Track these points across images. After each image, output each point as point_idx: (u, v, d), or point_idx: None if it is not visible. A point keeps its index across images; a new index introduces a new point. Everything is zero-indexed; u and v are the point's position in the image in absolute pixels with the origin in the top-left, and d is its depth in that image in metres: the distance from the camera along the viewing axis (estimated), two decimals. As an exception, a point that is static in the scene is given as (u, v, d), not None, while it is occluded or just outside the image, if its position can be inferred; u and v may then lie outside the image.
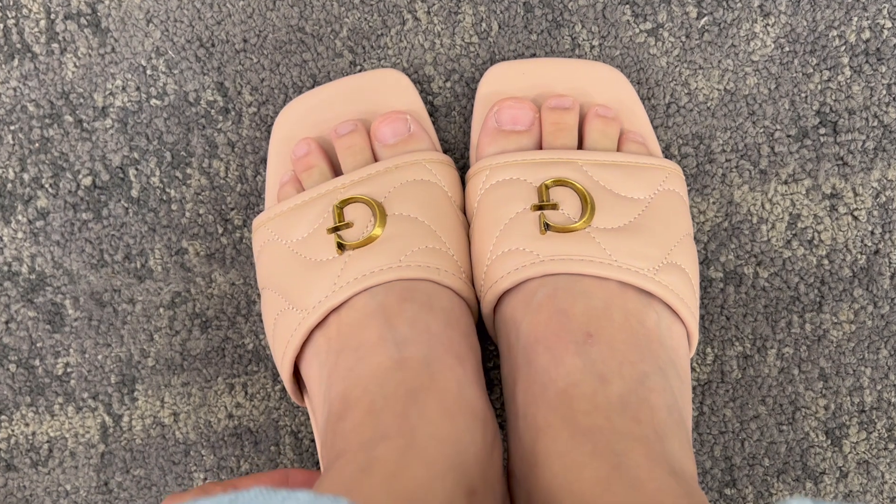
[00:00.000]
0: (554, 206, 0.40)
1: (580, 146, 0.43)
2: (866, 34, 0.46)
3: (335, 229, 0.40)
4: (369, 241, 0.40)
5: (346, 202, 0.41)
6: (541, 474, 0.34)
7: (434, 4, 0.47)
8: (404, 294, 0.39)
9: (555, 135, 0.42)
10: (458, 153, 0.47)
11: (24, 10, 0.48)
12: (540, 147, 0.43)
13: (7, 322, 0.49)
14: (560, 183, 0.40)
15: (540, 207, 0.40)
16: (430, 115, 0.47)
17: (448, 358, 0.37)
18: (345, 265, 0.40)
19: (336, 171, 0.44)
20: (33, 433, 0.49)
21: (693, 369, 0.47)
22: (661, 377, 0.37)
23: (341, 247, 0.40)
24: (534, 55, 0.47)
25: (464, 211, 0.44)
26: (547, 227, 0.39)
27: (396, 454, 0.33)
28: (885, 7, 0.45)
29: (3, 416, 0.49)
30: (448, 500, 0.32)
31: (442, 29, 0.47)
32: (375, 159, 0.43)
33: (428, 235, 0.41)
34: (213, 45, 0.47)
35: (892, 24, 0.45)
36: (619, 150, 0.43)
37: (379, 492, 0.31)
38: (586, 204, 0.40)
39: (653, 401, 0.36)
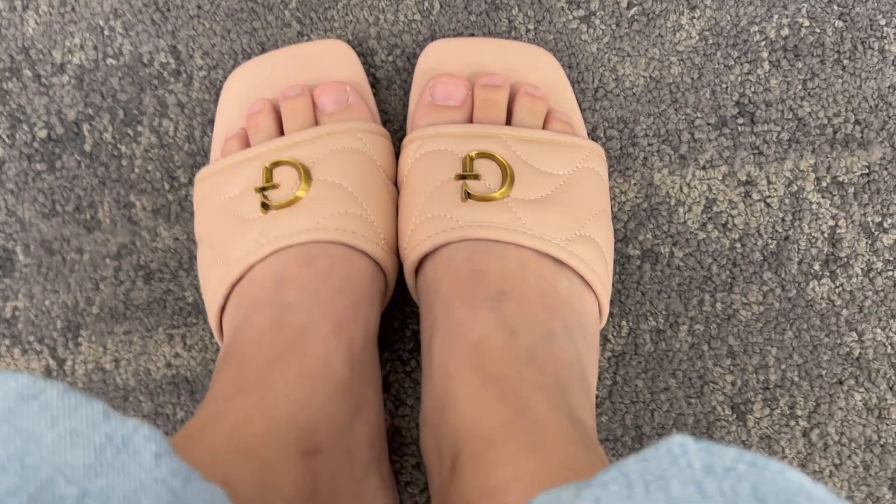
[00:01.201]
0: (476, 177, 0.42)
1: (509, 122, 0.45)
2: (785, 31, 0.48)
3: (262, 189, 0.42)
4: (292, 203, 0.42)
5: (276, 164, 0.43)
6: (450, 417, 0.36)
7: (379, -18, 0.49)
8: (308, 259, 0.41)
9: (484, 111, 0.44)
10: (398, 125, 0.50)
11: (-10, -33, 0.50)
12: (471, 122, 0.45)
13: (-41, 265, 0.51)
14: (484, 155, 0.42)
15: (463, 177, 0.42)
16: (372, 86, 0.50)
17: (325, 326, 0.39)
18: (267, 224, 0.42)
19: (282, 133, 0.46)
20: (-20, 373, 0.51)
21: (608, 340, 0.49)
22: (567, 337, 0.39)
23: (265, 206, 0.42)
24: (472, 35, 0.49)
25: (395, 181, 0.46)
26: (468, 195, 0.42)
27: (247, 408, 0.35)
28: (803, 6, 0.48)
29: (-48, 356, 0.51)
30: (282, 454, 0.33)
31: (386, 5, 0.49)
32: (317, 125, 0.46)
33: (349, 201, 0.42)
34: (168, 10, 0.49)
35: (810, 22, 0.48)
36: (545, 128, 0.45)
37: (221, 439, 0.33)
38: (506, 176, 0.42)
39: (557, 356, 0.38)
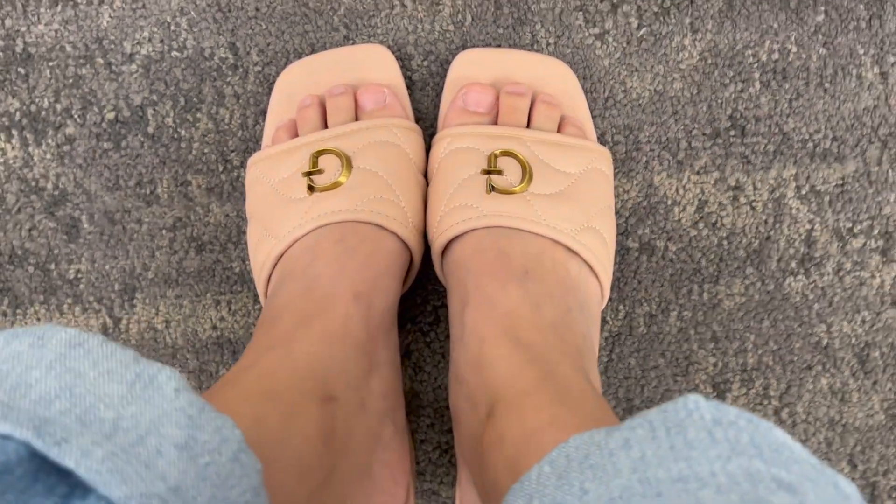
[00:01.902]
0: (499, 172, 0.47)
1: (528, 126, 0.51)
2: (776, 55, 0.54)
3: (308, 174, 0.48)
4: (335, 187, 0.47)
5: (321, 152, 0.48)
6: (486, 373, 0.41)
7: (419, -5, 0.55)
8: (340, 237, 0.46)
9: (509, 115, 0.50)
10: (429, 122, 0.56)
11: (71, -35, 0.56)
12: (496, 124, 0.51)
13: (30, 230, 0.57)
14: (507, 154, 0.48)
15: (488, 172, 0.48)
16: (408, 87, 0.56)
17: (347, 294, 0.44)
18: (312, 204, 0.47)
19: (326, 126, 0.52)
20: (43, 327, 0.57)
21: (606, 322, 0.55)
22: (579, 313, 0.45)
23: (311, 189, 0.47)
24: (499, 45, 0.55)
25: (425, 173, 0.52)
26: (492, 188, 0.47)
27: (274, 360, 0.40)
28: (793, 34, 0.54)
29: (19, 311, 0.57)
30: (303, 399, 0.39)
31: (424, 16, 0.55)
32: (357, 121, 0.51)
33: (384, 187, 0.48)
34: (229, 10, 0.55)
35: (798, 49, 0.54)
36: (559, 132, 0.51)
37: (251, 385, 0.38)
38: (526, 172, 0.48)
39: (574, 329, 0.43)
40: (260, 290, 0.50)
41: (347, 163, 0.48)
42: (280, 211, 0.48)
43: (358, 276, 0.45)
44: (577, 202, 0.48)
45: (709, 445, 0.26)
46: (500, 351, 0.40)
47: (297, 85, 0.53)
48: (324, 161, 0.48)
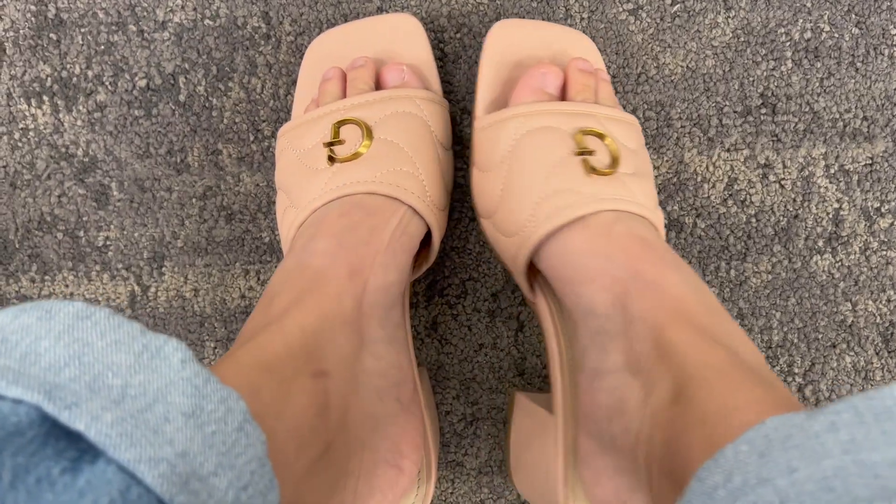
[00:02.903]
0: (591, 153, 0.45)
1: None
2: (808, 34, 0.55)
3: (329, 144, 0.47)
4: (355, 157, 0.47)
5: (343, 122, 0.48)
6: (670, 358, 0.39)
7: (454, -33, 0.55)
8: (345, 210, 0.45)
9: (580, 92, 0.48)
10: (461, 94, 0.56)
11: (104, -69, 0.56)
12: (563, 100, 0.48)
13: (60, 196, 0.57)
14: (589, 132, 0.46)
15: (581, 153, 0.45)
16: (440, 60, 0.56)
17: (341, 271, 0.43)
18: (332, 175, 0.47)
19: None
20: (71, 294, 0.57)
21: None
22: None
23: (331, 159, 0.47)
24: (532, 18, 0.55)
25: (448, 146, 0.51)
26: (593, 169, 0.44)
27: (269, 335, 0.40)
28: (826, 13, 0.54)
29: (47, 277, 0.57)
30: (296, 372, 0.39)
31: (458, -12, 0.55)
32: None
33: (404, 159, 0.47)
34: (263, -20, 0.55)
35: (830, 28, 0.54)
36: None
37: (246, 357, 0.38)
38: (613, 151, 0.45)
39: (724, 309, 0.42)
40: None
41: (368, 133, 0.48)
42: (303, 181, 0.48)
43: (355, 253, 0.44)
44: (648, 180, 0.47)
45: None
46: (684, 335, 0.39)
47: (325, 56, 0.53)
48: (345, 131, 0.48)
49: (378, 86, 0.51)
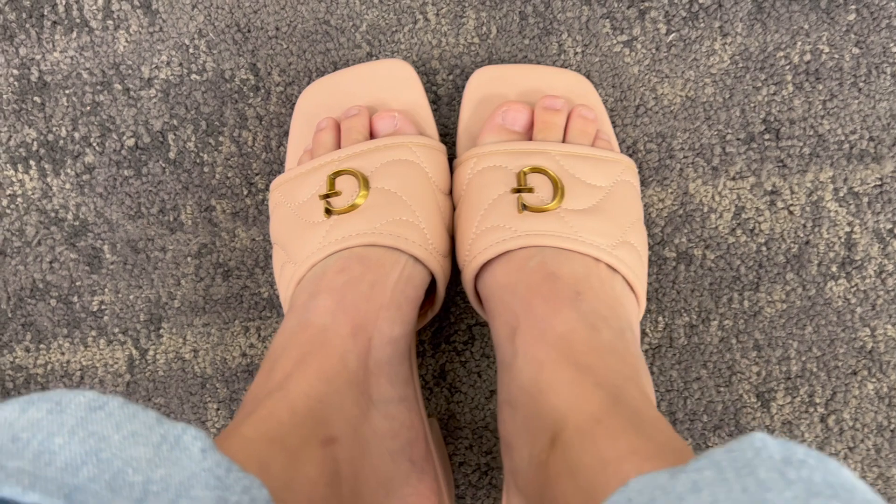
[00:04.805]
0: (530, 190, 0.46)
1: (564, 141, 0.49)
2: (807, 57, 0.54)
3: (325, 196, 0.46)
4: (352, 209, 0.46)
5: (338, 173, 0.47)
6: (548, 398, 0.39)
7: (443, 7, 0.54)
8: (343, 265, 0.44)
9: (544, 131, 0.48)
10: (455, 137, 0.55)
11: (85, -10, 0.55)
12: (531, 140, 0.49)
13: (51, 262, 0.55)
14: (536, 170, 0.46)
15: (518, 191, 0.46)
16: (434, 103, 0.54)
17: (344, 329, 0.42)
18: (330, 228, 0.46)
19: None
20: (67, 361, 0.56)
21: (646, 334, 0.54)
22: (630, 332, 0.44)
23: (328, 212, 0.46)
24: (525, 58, 0.54)
25: (447, 191, 0.50)
26: (524, 207, 0.45)
27: (273, 403, 0.39)
28: (824, 34, 0.53)
29: (42, 345, 0.56)
30: (304, 442, 0.37)
31: (448, 29, 0.54)
32: None
33: (402, 208, 0.46)
34: (249, 31, 0.54)
35: (830, 49, 0.53)
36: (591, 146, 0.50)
37: (252, 429, 0.37)
38: (557, 188, 0.46)
39: (631, 349, 0.42)
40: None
41: (364, 183, 0.47)
42: (300, 235, 0.47)
43: (357, 309, 0.43)
44: (610, 216, 0.47)
45: (783, 486, 0.25)
46: (561, 376, 0.39)
47: (317, 105, 0.52)
48: (341, 182, 0.47)
49: (371, 135, 0.50)
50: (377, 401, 0.43)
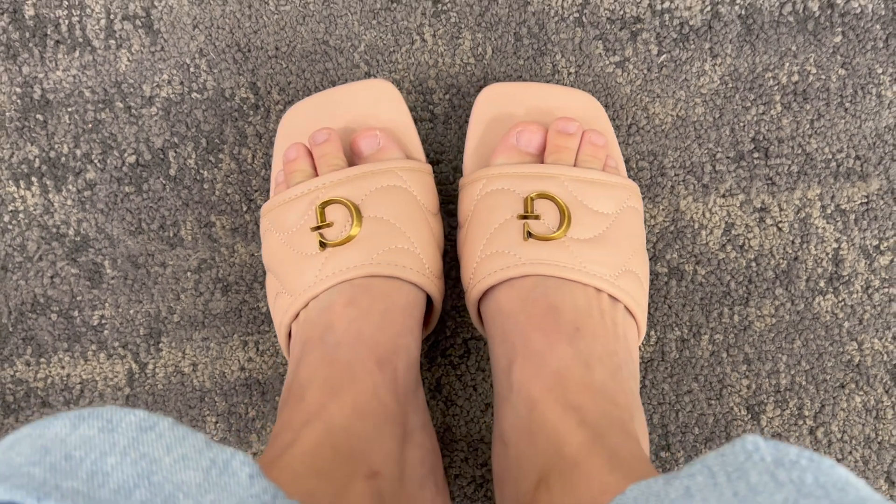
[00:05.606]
0: (536, 217, 0.46)
1: (575, 164, 0.48)
2: (795, 77, 0.55)
3: (317, 228, 0.46)
4: (347, 241, 0.45)
5: (327, 203, 0.47)
6: (538, 440, 0.39)
7: (439, 29, 0.55)
8: (350, 297, 0.45)
9: (556, 154, 0.48)
10: (452, 155, 0.56)
11: (88, 10, 0.56)
12: (542, 162, 0.48)
13: (52, 277, 0.56)
14: (543, 196, 0.46)
15: (524, 217, 0.46)
16: (430, 122, 0.56)
17: (369, 362, 0.43)
18: (326, 260, 0.46)
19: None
20: (68, 375, 0.56)
21: (638, 349, 0.55)
22: (626, 368, 0.44)
23: (323, 245, 0.46)
24: (521, 78, 0.55)
25: (435, 211, 0.50)
26: (529, 234, 0.45)
27: (315, 437, 0.39)
28: (811, 56, 0.55)
29: (42, 359, 0.56)
30: (350, 476, 0.38)
31: (444, 50, 0.55)
32: (350, 165, 0.49)
33: (397, 236, 0.46)
34: (249, 51, 0.55)
35: (817, 70, 0.55)
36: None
37: (298, 462, 0.37)
38: (564, 216, 0.46)
39: (624, 388, 0.42)
40: (281, 343, 0.49)
41: (357, 213, 0.46)
42: (293, 266, 0.47)
43: (376, 341, 0.44)
44: (615, 245, 0.46)
45: (774, 489, 0.25)
46: (551, 415, 0.39)
47: (298, 127, 0.51)
48: (331, 212, 0.47)
49: (353, 154, 0.50)
50: (408, 431, 0.44)
